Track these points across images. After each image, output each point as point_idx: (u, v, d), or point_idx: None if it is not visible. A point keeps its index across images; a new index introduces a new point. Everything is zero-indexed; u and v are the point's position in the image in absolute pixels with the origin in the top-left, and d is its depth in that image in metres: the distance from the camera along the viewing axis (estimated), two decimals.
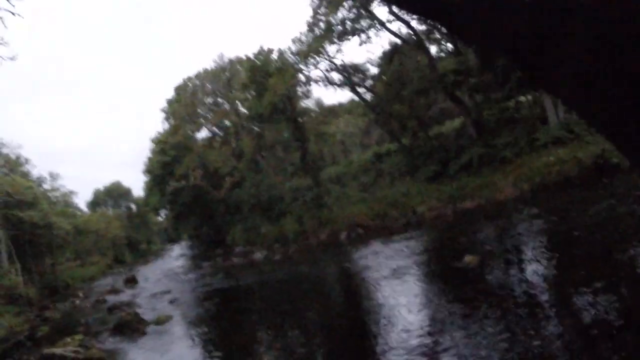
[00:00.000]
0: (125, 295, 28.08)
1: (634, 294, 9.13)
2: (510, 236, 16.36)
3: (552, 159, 24.08)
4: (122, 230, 69.71)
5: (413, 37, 35.07)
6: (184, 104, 50.39)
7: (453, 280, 13.64)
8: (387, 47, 37.03)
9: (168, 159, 51.37)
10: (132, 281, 34.40)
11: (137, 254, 72.54)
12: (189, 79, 52.49)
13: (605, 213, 15.22)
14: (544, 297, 10.25)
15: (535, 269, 12.22)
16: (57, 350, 14.20)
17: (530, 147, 26.48)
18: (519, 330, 8.75)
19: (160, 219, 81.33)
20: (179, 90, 53.08)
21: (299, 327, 13.60)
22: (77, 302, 30.11)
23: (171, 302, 21.73)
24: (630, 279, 9.90)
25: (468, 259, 14.27)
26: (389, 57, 36.14)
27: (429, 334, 9.60)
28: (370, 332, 11.01)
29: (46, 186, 49.74)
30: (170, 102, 54.07)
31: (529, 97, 31.62)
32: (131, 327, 16.85)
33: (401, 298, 12.79)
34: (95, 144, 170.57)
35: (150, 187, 60.95)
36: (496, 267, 13.82)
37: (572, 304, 9.44)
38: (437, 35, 36.23)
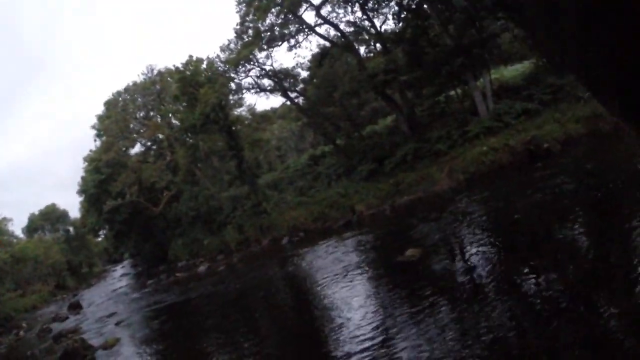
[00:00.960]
0: (70, 322, 27.06)
1: (574, 271, 9.44)
2: (450, 226, 16.64)
3: (484, 149, 24.94)
4: (61, 255, 66.89)
5: (342, 39, 35.48)
6: (115, 120, 49.00)
7: (398, 275, 13.75)
8: (316, 50, 37.35)
9: (102, 177, 49.78)
10: (76, 307, 33.12)
11: (79, 278, 69.88)
12: (119, 93, 51.15)
13: (540, 195, 15.78)
14: (489, 282, 10.45)
15: (477, 256, 12.48)
16: None
17: (463, 139, 27.23)
18: (468, 317, 8.90)
19: (99, 239, 78.58)
20: (109, 105, 51.56)
21: (250, 338, 13.43)
22: (21, 333, 28.95)
23: (118, 324, 21.23)
24: (570, 257, 10.21)
25: (410, 252, 14.40)
26: (319, 61, 36.41)
27: (380, 330, 9.63)
28: (323, 334, 11.00)
29: None
30: (100, 118, 52.38)
31: (459, 90, 32.52)
32: (79, 354, 16.30)
33: (349, 297, 12.87)
34: (29, 167, 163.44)
35: (86, 208, 58.83)
36: (439, 258, 14.00)
37: (517, 286, 9.66)
38: (365, 36, 36.79)
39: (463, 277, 11.54)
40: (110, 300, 32.80)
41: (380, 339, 9.18)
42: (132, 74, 79.72)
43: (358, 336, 9.67)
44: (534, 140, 23.56)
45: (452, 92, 33.15)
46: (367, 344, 9.07)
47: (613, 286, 8.22)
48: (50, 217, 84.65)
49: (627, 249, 9.40)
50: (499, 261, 11.77)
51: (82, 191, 57.79)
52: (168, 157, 45.55)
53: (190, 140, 41.00)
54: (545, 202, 14.74)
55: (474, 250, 13.15)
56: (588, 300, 8.02)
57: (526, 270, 10.17)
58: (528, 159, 22.74)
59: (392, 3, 32.33)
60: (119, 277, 54.09)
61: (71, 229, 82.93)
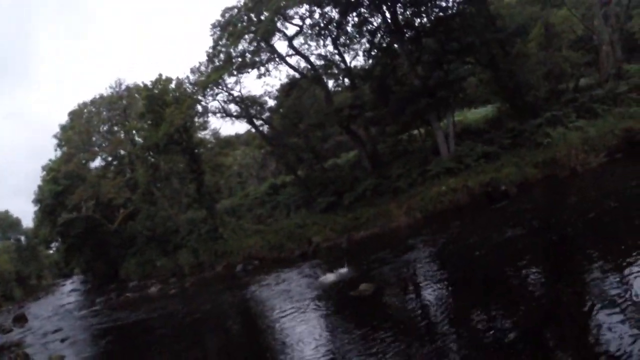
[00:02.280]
0: (14, 335, 26.38)
1: (526, 309, 9.61)
2: (404, 262, 16.76)
3: (443, 189, 25.31)
4: (10, 265, 65.04)
5: (311, 71, 35.81)
6: (78, 131, 48.07)
7: (350, 309, 13.81)
8: (285, 80, 37.53)
9: (60, 188, 48.60)
10: (21, 319, 32.04)
11: (27, 290, 67.68)
12: (85, 104, 50.25)
13: (496, 236, 16.09)
14: (441, 318, 10.56)
15: (430, 292, 12.62)
16: None
17: (423, 178, 27.57)
18: (419, 352, 8.96)
19: (51, 252, 76.41)
20: (74, 115, 50.59)
21: None
22: None
23: (63, 340, 20.80)
24: (522, 296, 10.43)
25: (363, 286, 14.48)
26: (287, 91, 36.61)
27: None
28: None
29: None
30: (64, 128, 51.36)
31: (422, 130, 33.03)
32: None
33: (299, 329, 12.83)
34: None
35: (40, 218, 57.26)
36: (392, 293, 14.21)
37: (469, 323, 9.78)
38: (335, 71, 37.19)
39: (415, 313, 11.66)
40: (57, 315, 32.03)
41: None
42: (100, 85, 78.79)
43: None
44: (492, 182, 24.17)
45: (416, 131, 33.67)
46: None
47: (564, 325, 8.46)
48: (2, 224, 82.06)
49: (579, 290, 9.65)
50: (452, 298, 11.95)
51: (37, 201, 56.32)
52: (128, 174, 44.92)
53: (152, 159, 40.49)
54: (500, 243, 15.13)
55: (427, 286, 13.34)
56: (538, 338, 8.19)
57: (478, 307, 10.35)
58: (485, 201, 23.30)
59: (364, 40, 32.78)
60: (68, 292, 52.90)
61: (23, 238, 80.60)
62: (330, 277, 18.24)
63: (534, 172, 24.18)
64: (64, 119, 55.49)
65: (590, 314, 8.17)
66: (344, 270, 18.44)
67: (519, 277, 11.68)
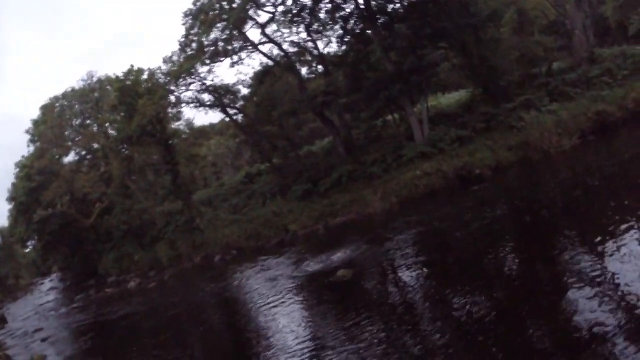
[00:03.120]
0: None
1: (502, 290, 9.82)
2: (381, 247, 16.88)
3: (418, 173, 25.46)
4: None
5: (284, 59, 35.55)
6: (51, 126, 47.19)
7: (329, 294, 13.96)
8: (258, 68, 37.22)
9: (34, 184, 47.76)
10: (1, 320, 31.74)
11: (4, 291, 66.58)
12: (56, 98, 49.29)
13: (471, 219, 16.25)
14: (419, 301, 10.76)
15: (408, 276, 12.81)
16: None
17: (398, 163, 27.68)
18: (398, 334, 9.12)
19: (27, 250, 75.19)
20: (46, 109, 49.62)
21: (180, 357, 13.28)
22: None
23: (44, 340, 20.87)
24: (498, 277, 10.64)
25: (341, 272, 14.62)
26: (260, 78, 36.33)
27: (311, 351, 9.67)
28: (254, 352, 11.07)
29: None
30: (35, 123, 50.39)
31: (396, 115, 33.07)
32: None
33: (280, 317, 13.00)
34: None
35: (15, 216, 56.18)
36: (370, 278, 14.38)
37: (446, 304, 9.95)
38: (308, 57, 36.99)
39: (393, 297, 11.85)
40: (36, 314, 31.89)
41: (310, 355, 9.30)
42: (71, 78, 77.58)
43: (287, 355, 9.78)
44: (466, 166, 24.42)
45: (389, 117, 33.72)
46: None
47: (540, 303, 8.58)
48: None
49: (555, 269, 9.84)
50: (429, 280, 12.16)
51: (11, 198, 55.32)
52: (102, 168, 44.25)
53: (126, 152, 39.99)
54: (476, 225, 15.25)
55: (404, 270, 13.51)
56: (515, 318, 8.30)
57: (455, 289, 10.51)
58: (460, 184, 23.56)
59: (337, 26, 32.62)
60: (47, 290, 52.22)
61: None
62: (308, 264, 18.36)
63: (507, 156, 24.46)
64: (35, 113, 54.53)
65: (566, 292, 8.36)
66: (322, 256, 18.50)
67: (496, 258, 11.89)
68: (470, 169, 24.07)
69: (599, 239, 10.32)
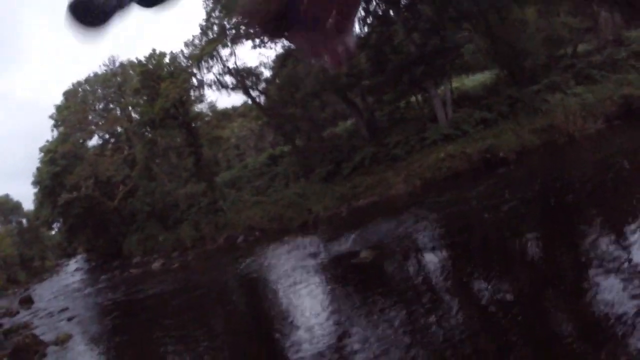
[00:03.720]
0: (21, 317, 26.24)
1: (525, 274, 9.63)
2: (404, 230, 16.69)
3: (441, 155, 25.20)
4: (13, 248, 65.15)
5: None
6: (74, 111, 47.87)
7: (351, 276, 13.86)
8: (280, 51, 37.11)
9: (58, 169, 48.54)
10: (27, 301, 32.11)
11: (31, 272, 67.88)
12: (79, 83, 49.93)
13: (495, 202, 16.02)
14: (441, 284, 10.59)
15: (430, 259, 12.74)
16: None
17: (421, 145, 27.41)
18: (419, 317, 8.99)
19: (53, 232, 76.41)
20: (68, 95, 50.32)
21: (204, 336, 13.29)
22: None
23: (70, 319, 20.83)
24: (522, 261, 10.47)
25: (364, 254, 14.50)
26: (282, 61, 36.21)
27: (334, 333, 9.60)
28: (276, 333, 10.99)
29: None
30: (59, 109, 51.12)
31: (419, 97, 32.82)
32: (30, 350, 15.78)
33: (303, 299, 12.89)
34: None
35: (40, 200, 57.28)
36: (392, 260, 14.17)
37: (468, 289, 9.86)
38: None
39: (416, 279, 11.71)
40: (62, 295, 32.03)
41: (332, 339, 9.20)
42: (93, 64, 78.10)
43: (311, 335, 9.68)
44: (491, 149, 24.07)
45: (413, 99, 33.46)
46: (319, 344, 9.06)
47: (562, 288, 8.47)
48: (3, 208, 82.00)
49: (578, 255, 9.68)
50: (452, 264, 12.01)
51: (36, 182, 56.37)
52: (126, 151, 44.78)
53: (149, 135, 40.37)
54: (499, 209, 15.02)
55: (426, 252, 13.43)
56: (538, 303, 8.17)
57: (478, 273, 10.37)
58: (484, 167, 23.24)
59: (359, 8, 32.36)
60: (72, 271, 53.07)
61: (24, 221, 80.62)
62: (331, 246, 18.30)
63: (532, 139, 24.02)
64: (58, 99, 55.27)
65: (589, 278, 8.20)
66: (345, 238, 18.40)
67: (519, 242, 11.68)
68: (494, 152, 23.72)
69: (625, 225, 10.12)
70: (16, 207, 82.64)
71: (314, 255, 18.15)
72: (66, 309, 24.14)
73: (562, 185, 15.81)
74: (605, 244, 9.39)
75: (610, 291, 7.34)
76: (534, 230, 12.28)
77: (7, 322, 24.89)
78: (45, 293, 36.22)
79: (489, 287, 9.35)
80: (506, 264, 10.48)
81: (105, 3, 1.29)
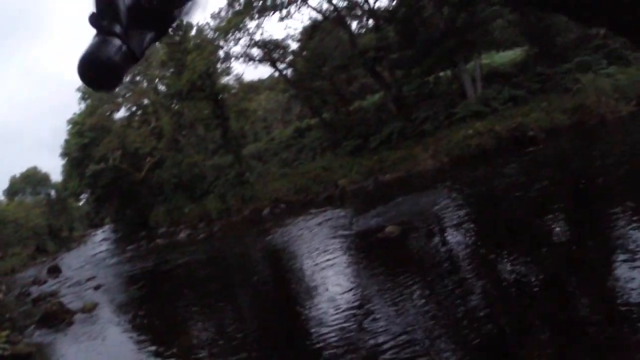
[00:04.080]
0: (49, 286, 27.03)
1: (550, 256, 9.55)
2: (430, 206, 16.62)
3: (470, 132, 24.99)
4: (42, 219, 66.36)
5: (334, 13, 35.05)
6: None
7: (376, 251, 13.88)
8: (307, 23, 36.85)
9: (86, 140, 49.36)
10: (55, 270, 32.90)
11: (59, 242, 69.27)
12: None
13: (522, 181, 16.02)
14: (465, 263, 10.61)
15: (455, 237, 12.70)
16: None
17: (449, 121, 27.24)
18: (442, 294, 9.01)
19: (81, 203, 77.66)
20: None
21: (228, 306, 13.59)
22: (0, 296, 28.64)
23: (96, 288, 21.29)
24: (547, 243, 10.36)
25: (390, 229, 14.50)
26: (310, 33, 36.00)
27: (359, 306, 9.69)
28: (301, 308, 11.00)
29: None
30: None
31: (448, 72, 32.42)
32: (58, 317, 16.26)
33: (328, 272, 12.94)
34: (9, 125, 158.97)
35: (68, 171, 58.23)
36: (417, 236, 14.17)
37: (492, 268, 9.80)
38: (358, 12, 36.42)
39: (440, 256, 11.72)
40: (89, 264, 32.75)
41: (356, 313, 9.29)
42: None
43: (335, 309, 9.75)
44: (520, 127, 23.72)
45: (442, 74, 33.05)
46: (343, 318, 9.15)
47: (587, 273, 8.37)
48: (32, 180, 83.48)
49: (605, 240, 9.52)
50: (476, 243, 11.93)
51: (65, 154, 57.25)
52: (153, 123, 45.10)
53: (176, 107, 40.62)
54: (527, 189, 14.86)
55: (452, 230, 13.36)
56: (562, 285, 8.15)
57: (503, 253, 10.32)
58: (512, 145, 22.94)
59: None
60: (99, 241, 53.77)
61: (52, 192, 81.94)
62: (356, 220, 18.31)
63: (562, 118, 23.64)
64: None
65: (615, 265, 8.03)
66: (370, 212, 18.44)
67: (545, 224, 11.48)
68: (523, 131, 23.27)
69: None
70: (44, 178, 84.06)
71: (340, 228, 18.25)
72: (93, 278, 24.70)
73: (593, 167, 15.45)
74: (634, 230, 9.15)
75: (634, 279, 7.20)
76: (562, 212, 12.12)
77: (35, 291, 25.70)
78: (73, 262, 36.91)
79: (513, 267, 9.33)
80: (532, 244, 10.34)
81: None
